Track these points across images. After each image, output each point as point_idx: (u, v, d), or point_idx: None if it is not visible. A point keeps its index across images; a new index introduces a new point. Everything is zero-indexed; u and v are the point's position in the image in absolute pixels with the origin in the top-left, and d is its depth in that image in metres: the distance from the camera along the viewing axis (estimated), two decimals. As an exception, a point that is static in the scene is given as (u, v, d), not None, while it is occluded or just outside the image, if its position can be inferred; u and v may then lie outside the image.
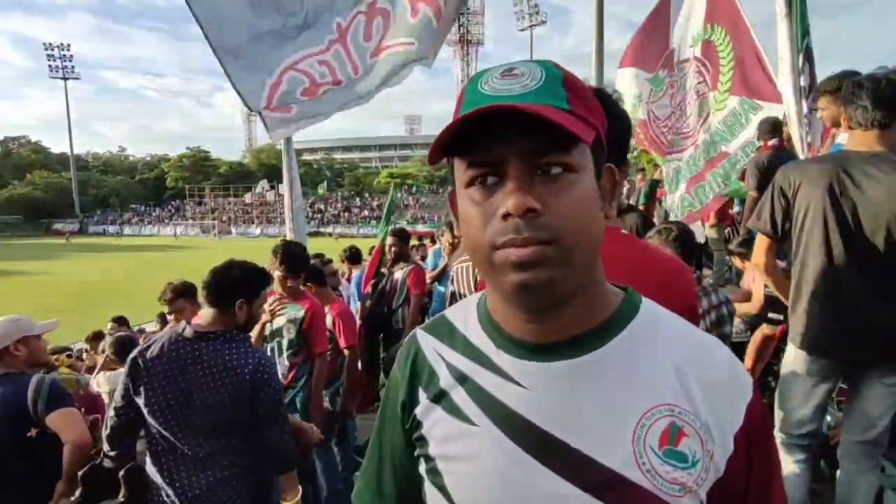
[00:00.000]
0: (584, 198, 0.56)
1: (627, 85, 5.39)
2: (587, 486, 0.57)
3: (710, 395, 0.59)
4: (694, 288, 1.17)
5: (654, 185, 5.57)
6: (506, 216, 0.54)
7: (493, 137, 0.55)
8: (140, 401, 1.87)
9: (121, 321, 6.43)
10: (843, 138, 2.09)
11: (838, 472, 2.16)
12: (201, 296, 2.11)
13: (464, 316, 0.72)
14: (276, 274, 2.84)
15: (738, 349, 3.52)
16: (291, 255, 2.89)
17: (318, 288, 3.27)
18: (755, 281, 3.81)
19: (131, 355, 1.92)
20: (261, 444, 1.93)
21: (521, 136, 0.54)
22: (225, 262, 2.07)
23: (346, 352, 3.30)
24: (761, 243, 2.21)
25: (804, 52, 3.64)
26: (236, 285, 1.99)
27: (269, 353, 2.74)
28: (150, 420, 1.87)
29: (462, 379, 0.66)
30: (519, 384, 0.62)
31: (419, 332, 0.76)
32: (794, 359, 2.13)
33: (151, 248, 41.08)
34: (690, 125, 4.92)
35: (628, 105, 5.40)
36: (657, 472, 0.56)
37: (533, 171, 0.55)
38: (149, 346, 1.93)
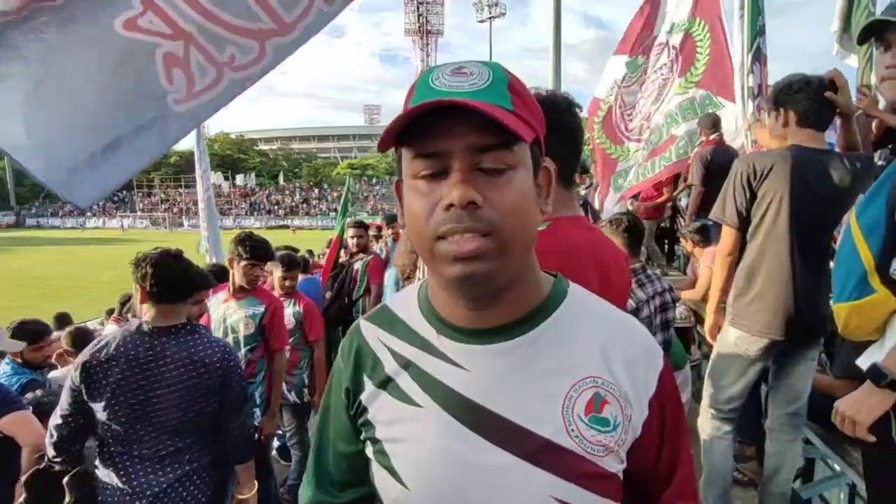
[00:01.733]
0: (522, 194, 0.60)
1: (613, 71, 5.52)
2: (524, 454, 0.63)
3: (629, 369, 0.67)
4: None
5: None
6: (449, 207, 0.57)
7: (439, 132, 0.58)
8: (98, 405, 1.78)
9: (63, 319, 6.08)
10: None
11: (766, 443, 2.32)
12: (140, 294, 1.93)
13: (406, 305, 0.76)
14: (242, 264, 2.81)
15: (682, 333, 3.70)
16: (259, 245, 2.88)
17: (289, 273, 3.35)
18: (702, 269, 3.99)
19: (83, 360, 1.80)
20: (223, 433, 1.92)
21: (466, 133, 0.57)
22: (166, 257, 1.93)
23: (314, 345, 3.39)
24: (728, 236, 2.23)
25: (754, 52, 3.81)
26: (187, 279, 1.94)
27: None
28: (107, 423, 1.79)
29: (406, 365, 0.71)
30: (459, 366, 0.67)
31: (362, 322, 0.80)
32: (734, 340, 2.21)
33: (99, 241, 39.02)
34: (649, 107, 5.12)
35: (607, 90, 5.59)
36: (584, 436, 0.64)
37: (475, 167, 0.58)
38: (101, 348, 1.82)
